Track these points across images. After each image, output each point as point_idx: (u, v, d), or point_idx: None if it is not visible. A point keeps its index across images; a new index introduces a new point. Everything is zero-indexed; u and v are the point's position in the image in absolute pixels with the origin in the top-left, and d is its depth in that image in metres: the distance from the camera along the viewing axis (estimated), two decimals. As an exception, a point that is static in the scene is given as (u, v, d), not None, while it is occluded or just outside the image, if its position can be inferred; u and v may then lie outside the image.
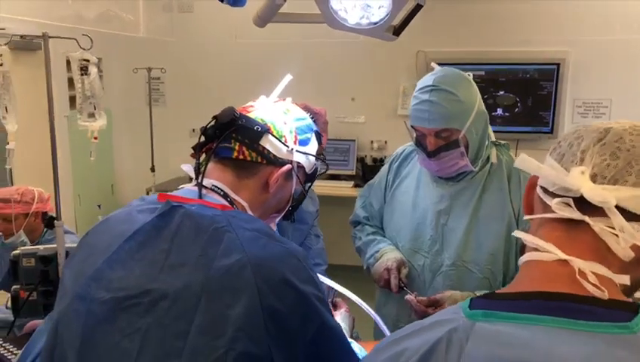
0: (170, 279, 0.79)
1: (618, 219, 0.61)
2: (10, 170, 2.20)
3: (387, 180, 1.72)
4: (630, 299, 0.64)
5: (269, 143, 0.95)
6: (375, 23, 1.37)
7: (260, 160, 0.94)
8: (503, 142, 1.61)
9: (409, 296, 1.48)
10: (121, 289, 0.80)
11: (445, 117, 1.44)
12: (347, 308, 1.41)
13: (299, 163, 1.00)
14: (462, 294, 1.44)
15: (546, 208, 0.67)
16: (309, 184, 1.08)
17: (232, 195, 0.93)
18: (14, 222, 2.33)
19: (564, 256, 0.62)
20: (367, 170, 4.26)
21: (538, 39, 3.98)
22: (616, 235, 0.61)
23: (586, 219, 0.62)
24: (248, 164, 0.94)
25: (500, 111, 4.09)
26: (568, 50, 3.96)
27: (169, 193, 0.92)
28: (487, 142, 1.55)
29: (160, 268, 0.81)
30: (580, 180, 0.63)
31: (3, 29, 2.12)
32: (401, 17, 1.38)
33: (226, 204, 0.91)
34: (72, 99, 3.46)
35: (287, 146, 0.97)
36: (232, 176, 0.94)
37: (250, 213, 0.94)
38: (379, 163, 4.33)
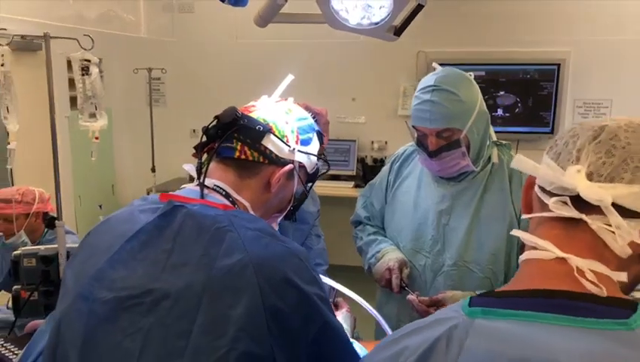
0: (173, 279, 0.79)
1: (615, 216, 0.61)
2: (11, 170, 2.20)
3: (388, 180, 1.73)
4: (629, 297, 0.65)
5: (270, 143, 0.95)
6: (376, 23, 1.37)
7: (261, 160, 0.94)
8: (504, 142, 1.61)
9: (411, 296, 1.49)
10: (124, 288, 0.80)
11: (447, 117, 1.44)
12: (348, 308, 1.41)
13: (300, 163, 1.00)
14: (463, 294, 1.44)
15: (544, 207, 0.67)
16: (311, 184, 1.09)
17: (234, 195, 0.93)
18: (15, 223, 2.33)
19: (562, 254, 0.63)
20: (367, 171, 4.26)
21: (538, 40, 3.98)
22: (614, 233, 0.62)
23: (584, 217, 0.63)
24: (250, 163, 0.94)
25: (500, 111, 4.09)
26: (569, 51, 3.96)
27: (171, 193, 0.92)
28: (488, 142, 1.55)
29: (162, 267, 0.81)
30: (576, 179, 0.63)
31: (4, 29, 2.12)
32: (402, 17, 1.38)
33: (228, 203, 0.91)
34: (73, 100, 3.47)
35: (289, 146, 0.97)
36: (234, 175, 0.94)
37: (251, 212, 0.94)
38: (379, 163, 4.33)
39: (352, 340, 1.01)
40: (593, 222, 0.62)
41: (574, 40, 3.94)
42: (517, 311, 0.60)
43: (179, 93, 4.68)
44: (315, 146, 1.05)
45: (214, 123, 0.95)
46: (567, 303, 0.59)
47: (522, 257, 0.68)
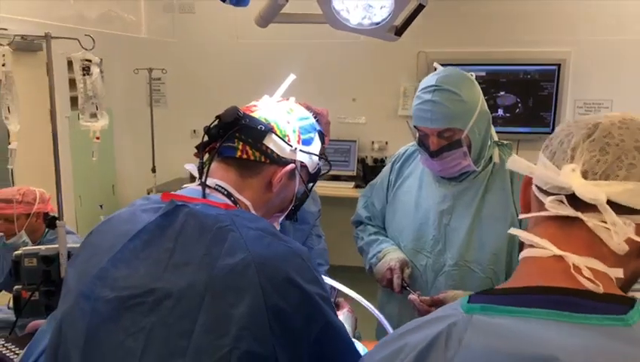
0: (175, 278, 0.79)
1: (610, 214, 0.62)
2: (12, 170, 2.20)
3: (389, 180, 1.73)
4: (628, 294, 0.65)
5: (272, 143, 0.95)
6: (377, 24, 1.37)
7: (263, 159, 0.94)
8: (505, 142, 1.61)
9: (412, 296, 1.49)
10: (126, 288, 0.80)
11: (448, 117, 1.44)
12: (350, 308, 1.41)
13: (302, 162, 1.00)
14: (464, 294, 1.43)
15: (541, 206, 0.68)
16: (312, 184, 1.09)
17: (236, 195, 0.93)
18: (16, 223, 2.33)
19: (558, 252, 0.63)
20: (367, 171, 4.26)
21: (539, 40, 3.98)
22: (610, 230, 0.62)
23: (580, 215, 0.63)
24: (252, 163, 0.94)
25: (500, 111, 4.10)
26: (569, 51, 3.96)
27: (173, 192, 0.92)
28: (489, 142, 1.55)
29: (164, 267, 0.81)
30: (571, 178, 0.64)
31: (5, 29, 2.12)
32: (403, 17, 1.38)
33: (230, 203, 0.91)
34: (73, 100, 3.47)
35: (291, 146, 0.97)
36: (236, 175, 0.94)
37: (253, 212, 0.94)
38: (380, 163, 4.33)
39: (353, 340, 1.01)
40: (589, 219, 0.63)
41: (575, 40, 3.94)
42: (515, 307, 0.61)
43: (179, 93, 4.69)
44: (316, 146, 1.05)
45: (216, 122, 0.95)
46: (565, 299, 0.60)
47: (521, 255, 0.69)
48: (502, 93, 4.09)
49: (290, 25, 1.52)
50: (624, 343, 0.55)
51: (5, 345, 1.78)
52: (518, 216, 1.48)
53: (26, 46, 3.05)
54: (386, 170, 1.77)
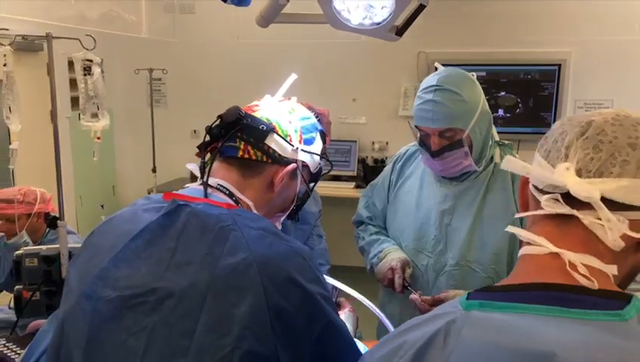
0: (176, 277, 0.79)
1: (604, 211, 0.62)
2: (12, 170, 2.20)
3: (390, 180, 1.73)
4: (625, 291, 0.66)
5: (274, 142, 0.95)
6: (378, 24, 1.38)
7: (265, 159, 0.94)
8: (506, 142, 1.61)
9: (413, 296, 1.49)
10: (128, 287, 0.80)
11: (449, 117, 1.44)
12: (351, 308, 1.41)
13: (304, 162, 1.00)
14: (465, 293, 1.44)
15: (538, 205, 0.69)
16: (314, 183, 1.09)
17: (238, 194, 0.93)
18: (17, 223, 2.33)
19: (554, 249, 0.64)
20: (368, 171, 4.26)
21: (539, 40, 3.98)
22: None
23: (575, 213, 0.64)
24: (253, 163, 0.94)
25: (501, 112, 4.10)
26: (569, 51, 3.97)
27: (175, 192, 0.92)
28: (490, 142, 1.56)
29: (166, 266, 0.81)
30: (565, 176, 0.65)
31: (6, 29, 2.11)
32: (404, 17, 1.38)
33: (232, 203, 0.91)
34: (74, 100, 3.48)
35: (292, 145, 0.97)
36: (238, 175, 0.94)
37: (255, 212, 0.94)
38: (380, 164, 4.33)
39: (354, 340, 1.01)
40: (585, 217, 0.64)
41: (575, 40, 3.94)
42: (513, 303, 0.61)
43: (180, 93, 4.69)
44: (318, 146, 1.05)
45: (217, 122, 0.95)
46: (562, 295, 0.61)
47: (519, 253, 0.70)
48: (502, 93, 4.09)
49: (290, 25, 1.52)
50: (621, 338, 0.55)
51: (6, 344, 1.78)
52: (519, 215, 1.49)
53: (26, 46, 3.05)
54: (387, 169, 1.77)
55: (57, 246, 1.81)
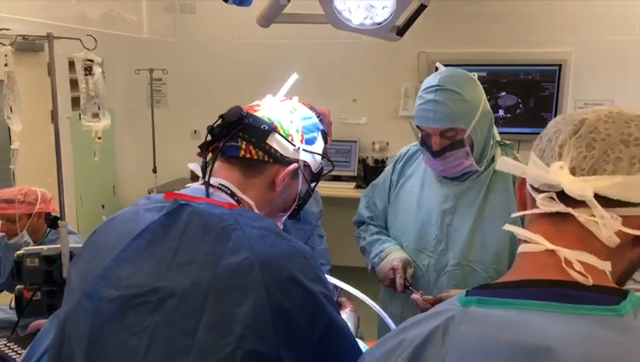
0: (178, 277, 0.79)
1: (597, 208, 0.63)
2: (13, 170, 2.20)
3: (391, 180, 1.73)
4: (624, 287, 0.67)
5: (275, 142, 0.95)
6: (379, 24, 1.38)
7: (266, 159, 0.94)
8: (507, 142, 1.61)
9: (415, 295, 1.49)
10: (130, 287, 0.80)
11: (450, 116, 1.44)
12: (352, 308, 1.41)
13: (305, 162, 1.00)
14: (466, 293, 1.44)
15: (534, 203, 0.69)
16: (315, 183, 1.09)
17: (239, 194, 0.93)
18: (18, 223, 2.33)
19: (550, 246, 0.65)
20: (368, 171, 4.26)
21: (540, 40, 3.98)
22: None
23: (570, 210, 0.65)
24: (255, 162, 0.94)
25: (501, 112, 4.10)
26: (570, 51, 3.97)
27: (176, 192, 0.92)
28: (492, 142, 1.56)
29: (168, 266, 0.81)
30: (559, 175, 0.65)
31: (8, 29, 2.11)
32: (405, 17, 1.38)
33: (233, 202, 0.91)
34: (74, 100, 3.48)
35: (294, 145, 0.97)
36: (239, 174, 0.94)
37: (256, 211, 0.94)
38: (380, 164, 4.33)
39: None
40: (580, 214, 0.64)
41: (575, 40, 3.94)
42: (510, 299, 0.62)
43: (180, 93, 4.69)
44: (319, 145, 1.05)
45: (219, 122, 0.95)
46: (558, 291, 0.61)
47: (517, 251, 0.70)
48: (503, 93, 4.09)
49: (291, 25, 1.52)
50: (617, 332, 0.56)
51: (7, 344, 1.78)
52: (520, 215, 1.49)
53: (26, 46, 3.05)
54: (388, 169, 1.77)
55: (58, 246, 1.81)
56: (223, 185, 0.93)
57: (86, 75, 2.31)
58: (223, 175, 0.94)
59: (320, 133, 1.06)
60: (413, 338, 0.63)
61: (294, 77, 1.13)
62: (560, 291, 0.61)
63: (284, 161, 0.96)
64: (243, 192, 0.93)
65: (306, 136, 1.01)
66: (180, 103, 4.70)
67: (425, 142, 1.52)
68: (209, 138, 0.96)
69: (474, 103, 1.46)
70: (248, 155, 0.94)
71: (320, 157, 1.05)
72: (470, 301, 0.64)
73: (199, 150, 0.98)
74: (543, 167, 0.68)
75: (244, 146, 0.93)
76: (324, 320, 0.81)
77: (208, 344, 0.75)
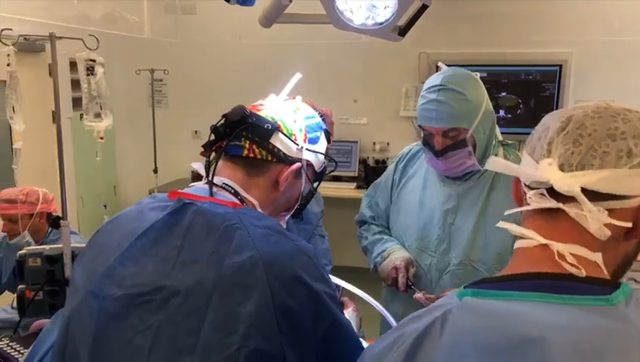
0: (182, 276, 0.80)
1: (585, 203, 0.64)
2: (14, 170, 2.20)
3: (393, 179, 1.73)
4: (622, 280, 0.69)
5: (279, 141, 0.95)
6: (380, 24, 1.38)
7: (270, 158, 0.94)
8: (510, 141, 1.62)
9: (418, 295, 1.49)
10: (134, 285, 0.81)
11: (453, 116, 1.44)
12: (354, 307, 1.41)
13: (308, 161, 1.00)
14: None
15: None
16: (318, 182, 1.09)
17: (243, 193, 0.93)
18: (19, 223, 2.34)
19: (543, 241, 0.67)
20: (369, 172, 4.27)
21: (540, 41, 3.98)
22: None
23: (561, 206, 0.66)
24: (258, 162, 0.94)
25: (502, 112, 4.10)
26: (570, 52, 3.97)
27: (180, 191, 0.92)
28: (494, 142, 1.56)
29: (172, 264, 0.81)
30: (548, 172, 0.67)
31: (10, 29, 2.12)
32: (407, 18, 1.38)
33: (237, 201, 0.91)
34: (75, 101, 3.48)
35: (297, 144, 0.97)
36: (243, 174, 0.94)
37: (260, 210, 0.94)
38: (381, 164, 4.34)
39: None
40: (571, 209, 0.66)
41: (576, 41, 3.95)
42: (505, 291, 0.64)
43: (181, 94, 4.69)
44: (322, 145, 1.05)
45: (222, 121, 0.95)
46: (552, 283, 0.63)
47: (514, 247, 0.72)
48: (503, 94, 4.09)
49: (291, 25, 1.53)
50: (610, 320, 0.57)
51: (10, 344, 1.78)
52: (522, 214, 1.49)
53: (28, 47, 3.05)
54: (390, 169, 1.77)
55: (60, 246, 1.81)
56: (226, 185, 0.93)
57: (88, 75, 2.31)
58: (226, 174, 0.94)
59: (323, 133, 1.06)
60: (411, 332, 0.65)
61: (298, 76, 1.13)
62: (553, 283, 0.63)
63: (288, 160, 0.96)
64: (246, 191, 0.93)
65: (309, 136, 1.01)
66: (181, 104, 4.70)
67: (427, 142, 1.52)
68: (212, 137, 0.96)
69: (476, 103, 1.47)
70: (252, 154, 0.94)
71: (323, 156, 1.05)
72: (465, 293, 0.66)
73: (200, 150, 0.98)
74: (533, 164, 0.70)
75: (247, 145, 0.93)
76: (328, 319, 0.82)
77: (212, 343, 0.75)
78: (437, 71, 1.57)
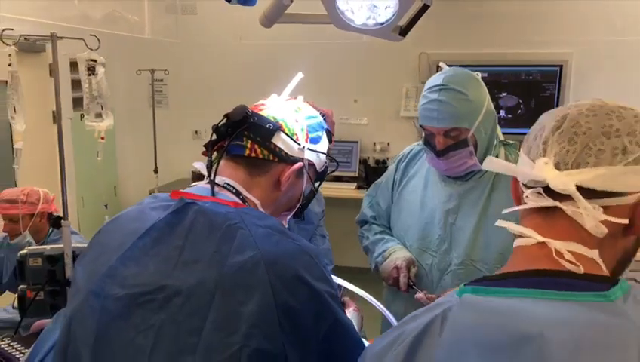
0: (184, 275, 0.80)
1: (580, 200, 0.65)
2: (15, 170, 2.20)
3: (394, 179, 1.73)
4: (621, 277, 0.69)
5: (280, 141, 0.95)
6: (381, 24, 1.38)
7: (271, 158, 0.94)
8: (511, 141, 1.62)
9: (419, 294, 1.49)
10: (136, 285, 0.81)
11: (454, 116, 1.45)
12: (356, 307, 1.41)
13: (310, 161, 1.00)
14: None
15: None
16: (319, 182, 1.09)
17: (245, 193, 0.93)
18: (20, 223, 2.34)
19: (541, 239, 0.68)
20: (370, 172, 4.26)
21: (541, 41, 3.98)
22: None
23: (558, 204, 0.67)
24: (260, 161, 0.94)
25: (502, 113, 4.10)
26: (571, 52, 3.97)
27: (182, 190, 0.93)
28: (495, 142, 1.56)
29: (174, 264, 0.81)
30: (543, 171, 0.67)
31: (11, 29, 2.12)
32: (408, 18, 1.38)
33: (239, 201, 0.91)
34: (75, 101, 3.48)
35: (299, 144, 0.97)
36: (244, 173, 0.94)
37: (261, 210, 0.94)
38: (382, 164, 4.34)
39: (360, 338, 1.01)
40: (567, 207, 0.66)
41: (576, 41, 3.95)
42: (503, 288, 0.64)
43: (181, 94, 4.70)
44: (324, 144, 1.05)
45: (224, 121, 0.95)
46: (550, 280, 0.63)
47: (513, 246, 0.73)
48: (504, 94, 4.09)
49: (292, 25, 1.52)
50: (608, 315, 0.58)
51: (11, 344, 1.78)
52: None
53: (28, 47, 3.05)
54: (391, 169, 1.77)
55: (61, 246, 1.81)
56: (228, 184, 0.93)
57: (89, 75, 2.31)
58: (228, 174, 0.94)
59: (324, 132, 1.06)
60: (411, 330, 0.65)
61: (299, 76, 1.13)
62: (552, 279, 0.63)
63: (289, 159, 0.96)
64: (248, 191, 0.93)
65: (310, 135, 1.01)
66: (182, 104, 4.70)
67: (428, 142, 1.53)
68: (214, 137, 0.96)
69: (478, 103, 1.47)
70: (253, 154, 0.93)
71: (324, 156, 1.05)
72: (465, 290, 0.67)
73: (201, 150, 0.98)
74: (530, 163, 0.70)
75: (249, 145, 0.93)
76: (329, 318, 0.82)
77: (214, 342, 0.75)
78: (438, 71, 1.57)
